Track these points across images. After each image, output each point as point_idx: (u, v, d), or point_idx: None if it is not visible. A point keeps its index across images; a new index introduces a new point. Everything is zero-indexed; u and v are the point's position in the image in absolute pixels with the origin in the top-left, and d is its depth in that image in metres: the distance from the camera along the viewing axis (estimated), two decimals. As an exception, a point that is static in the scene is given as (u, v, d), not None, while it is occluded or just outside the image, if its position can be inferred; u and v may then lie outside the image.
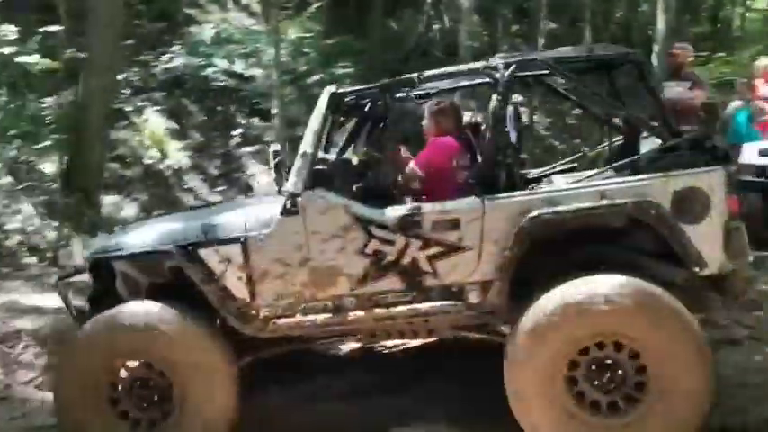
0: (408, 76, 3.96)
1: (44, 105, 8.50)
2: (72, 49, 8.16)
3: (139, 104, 10.18)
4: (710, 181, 3.38)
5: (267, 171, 10.65)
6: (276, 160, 3.86)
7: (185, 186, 9.97)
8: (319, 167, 3.80)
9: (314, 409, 4.19)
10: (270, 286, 3.73)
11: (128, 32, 9.47)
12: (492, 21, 11.18)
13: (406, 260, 3.58)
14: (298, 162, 3.74)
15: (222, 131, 10.73)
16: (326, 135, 4.27)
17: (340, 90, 3.94)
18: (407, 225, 3.57)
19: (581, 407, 3.35)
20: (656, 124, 3.74)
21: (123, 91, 9.86)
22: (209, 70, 10.70)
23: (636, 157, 3.67)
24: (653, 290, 3.32)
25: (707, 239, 3.38)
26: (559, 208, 3.43)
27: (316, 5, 11.39)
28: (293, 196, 3.69)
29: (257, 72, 10.86)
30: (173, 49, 10.73)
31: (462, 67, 4.18)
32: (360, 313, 3.66)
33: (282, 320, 3.74)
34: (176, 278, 3.88)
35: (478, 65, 3.93)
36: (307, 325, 3.72)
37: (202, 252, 3.79)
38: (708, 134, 3.67)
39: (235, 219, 3.89)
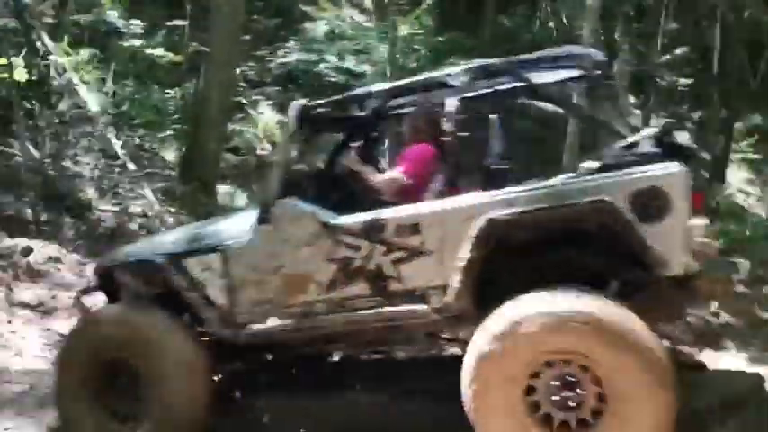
0: (367, 89, 4.07)
1: (167, 96, 8.89)
2: (195, 44, 8.48)
3: (255, 98, 10.50)
4: (670, 179, 3.22)
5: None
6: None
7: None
8: (295, 177, 3.96)
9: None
10: (247, 293, 3.86)
11: (246, 28, 9.78)
12: (611, 19, 10.78)
13: (371, 265, 3.63)
14: (270, 173, 3.87)
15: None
16: (305, 146, 4.40)
17: (310, 104, 4.02)
18: (372, 231, 3.62)
19: (539, 424, 3.20)
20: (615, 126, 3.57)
21: (240, 84, 10.19)
22: (321, 66, 10.88)
23: (599, 156, 3.53)
24: (608, 308, 3.15)
25: (668, 239, 3.21)
26: (512, 210, 3.35)
27: (428, 2, 11.38)
28: (265, 205, 3.84)
29: (368, 68, 10.96)
30: (287, 44, 10.98)
31: (423, 78, 4.16)
32: (329, 318, 3.73)
33: (259, 326, 3.85)
34: (170, 288, 4.05)
35: (439, 74, 3.92)
36: (280, 330, 3.83)
37: (187, 262, 3.97)
38: (668, 130, 3.46)
39: (221, 229, 4.07)
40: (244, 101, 10.27)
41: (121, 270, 4.21)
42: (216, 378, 4.09)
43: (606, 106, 3.54)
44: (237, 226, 4.01)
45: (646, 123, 10.39)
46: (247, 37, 10.16)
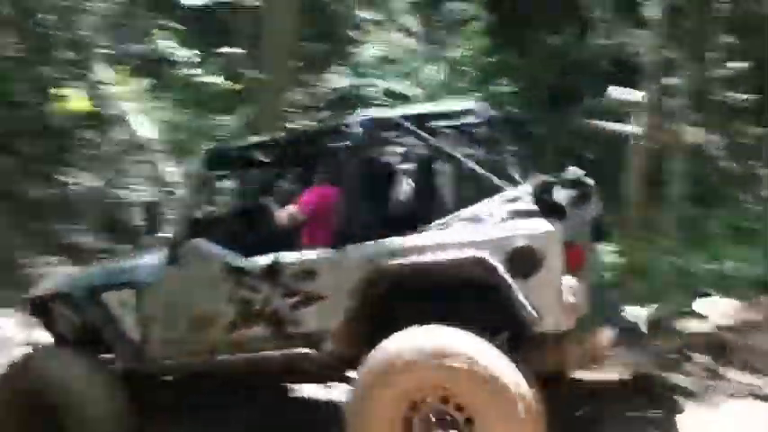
0: (272, 137, 4.35)
1: (222, 124, 8.96)
2: (249, 71, 8.54)
3: (304, 123, 10.53)
4: (543, 237, 3.31)
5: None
6: (150, 212, 4.29)
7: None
8: (203, 218, 4.13)
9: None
10: (158, 330, 3.97)
11: (295, 54, 9.83)
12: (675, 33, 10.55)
13: (270, 308, 3.73)
14: (177, 214, 3.98)
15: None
16: (212, 188, 4.59)
17: (216, 149, 4.29)
18: (272, 274, 3.72)
19: None
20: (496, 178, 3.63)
21: (291, 110, 10.22)
22: (370, 90, 10.89)
23: (480, 205, 3.58)
24: (476, 345, 3.24)
25: (539, 295, 3.29)
26: (396, 260, 3.47)
27: (476, 23, 11.32)
28: (173, 246, 3.94)
29: (418, 91, 10.94)
30: (336, 69, 11.02)
31: (322, 126, 4.45)
32: (231, 358, 3.82)
33: (169, 362, 3.98)
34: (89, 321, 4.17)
35: (335, 125, 4.04)
36: (188, 367, 3.98)
37: (104, 296, 4.10)
38: (547, 186, 3.47)
39: (141, 264, 4.15)
40: (294, 126, 10.30)
41: (51, 301, 4.36)
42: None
43: (492, 156, 3.81)
44: (154, 260, 4.07)
45: (706, 140, 10.13)
46: (298, 63, 10.22)
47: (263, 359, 3.77)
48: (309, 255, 3.71)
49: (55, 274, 5.56)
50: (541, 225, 3.32)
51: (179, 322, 3.91)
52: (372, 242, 3.59)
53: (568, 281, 3.31)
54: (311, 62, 11.09)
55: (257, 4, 8.64)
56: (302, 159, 4.51)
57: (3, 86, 8.82)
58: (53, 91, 8.30)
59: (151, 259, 4.13)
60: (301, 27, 10.49)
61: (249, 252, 3.84)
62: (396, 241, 3.55)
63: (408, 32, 12.46)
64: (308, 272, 3.65)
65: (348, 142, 3.80)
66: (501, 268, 3.30)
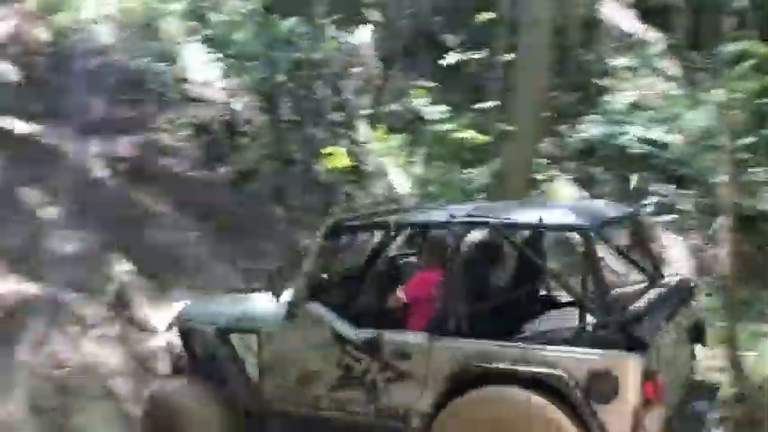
0: (394, 218, 4.66)
1: (472, 176, 9.15)
2: (500, 123, 8.66)
3: (552, 173, 10.37)
4: (623, 366, 3.46)
5: (679, 242, 9.96)
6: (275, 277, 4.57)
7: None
8: (322, 283, 4.57)
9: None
10: (273, 376, 4.44)
11: (546, 104, 9.79)
12: None
13: (368, 378, 4.10)
14: (299, 276, 4.39)
15: (635, 199, 10.33)
16: (333, 256, 4.86)
17: (338, 219, 4.66)
18: (372, 348, 4.07)
19: None
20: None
21: (539, 161, 10.15)
22: (623, 138, 10.43)
23: (579, 326, 3.79)
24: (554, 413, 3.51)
25: (615, 421, 3.44)
26: (477, 363, 3.76)
27: (747, 63, 10.40)
28: (291, 305, 4.37)
29: (677, 137, 10.25)
30: (587, 118, 10.75)
31: (432, 218, 4.61)
32: (330, 414, 4.24)
33: (279, 407, 4.41)
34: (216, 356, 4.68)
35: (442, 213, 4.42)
36: (295, 414, 4.36)
37: (233, 336, 4.63)
38: (636, 319, 3.65)
39: (263, 309, 4.61)
40: (542, 177, 10.19)
41: (188, 329, 4.94)
42: None
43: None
44: (276, 308, 4.48)
45: None
46: (547, 114, 10.16)
47: (360, 423, 4.17)
48: (405, 336, 4.09)
49: (199, 299, 6.18)
50: (622, 354, 3.48)
51: (290, 373, 4.37)
52: (465, 340, 3.89)
53: (650, 408, 3.44)
54: (560, 112, 10.96)
55: (509, 58, 8.78)
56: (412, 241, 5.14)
57: (280, 147, 9.91)
58: (321, 150, 9.12)
59: (273, 309, 4.53)
60: (552, 77, 10.47)
61: (360, 321, 4.26)
62: (486, 345, 3.84)
63: (666, 77, 11.81)
64: (404, 352, 4.01)
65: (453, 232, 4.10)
66: (577, 386, 3.49)
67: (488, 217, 4.09)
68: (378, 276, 4.79)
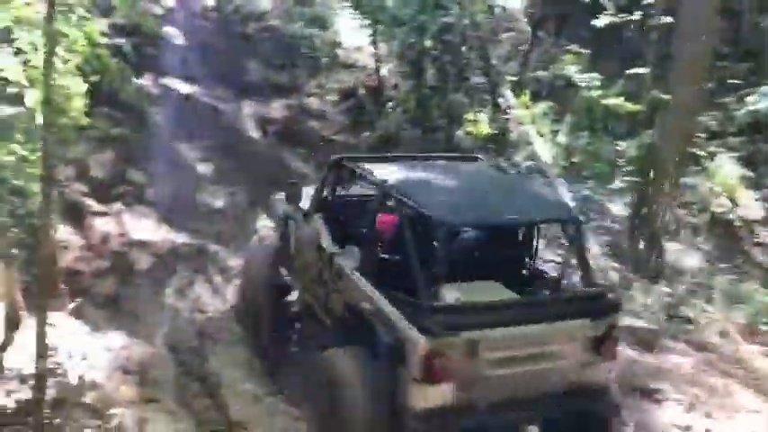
0: (384, 179, 4.81)
1: (620, 147, 8.65)
2: (655, 91, 8.08)
3: (713, 149, 9.57)
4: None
5: None
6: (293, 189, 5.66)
7: (756, 240, 8.94)
8: (326, 201, 5.52)
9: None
10: (297, 252, 5.70)
11: (709, 74, 9.01)
12: None
13: (327, 283, 5.16)
14: (312, 195, 5.69)
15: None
16: (335, 182, 5.59)
17: (339, 157, 5.54)
18: (331, 262, 5.09)
19: None
20: None
21: (699, 135, 9.40)
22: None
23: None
24: None
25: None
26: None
27: None
28: (307, 211, 5.64)
29: None
30: (759, 90, 9.77)
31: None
32: (311, 300, 5.42)
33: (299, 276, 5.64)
34: None
35: None
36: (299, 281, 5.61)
37: (289, 221, 5.80)
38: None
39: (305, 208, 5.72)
40: (701, 152, 9.43)
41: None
42: None
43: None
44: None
45: None
46: (710, 84, 9.35)
47: (317, 317, 5.18)
48: (342, 260, 4.85)
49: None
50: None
51: (301, 257, 5.51)
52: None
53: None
54: (726, 83, 10.05)
55: (669, 20, 8.13)
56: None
57: (423, 112, 9.89)
58: (464, 116, 9.01)
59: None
60: (718, 44, 9.60)
61: (345, 236, 5.03)
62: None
63: None
64: (339, 273, 4.83)
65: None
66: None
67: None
68: (354, 205, 5.52)
